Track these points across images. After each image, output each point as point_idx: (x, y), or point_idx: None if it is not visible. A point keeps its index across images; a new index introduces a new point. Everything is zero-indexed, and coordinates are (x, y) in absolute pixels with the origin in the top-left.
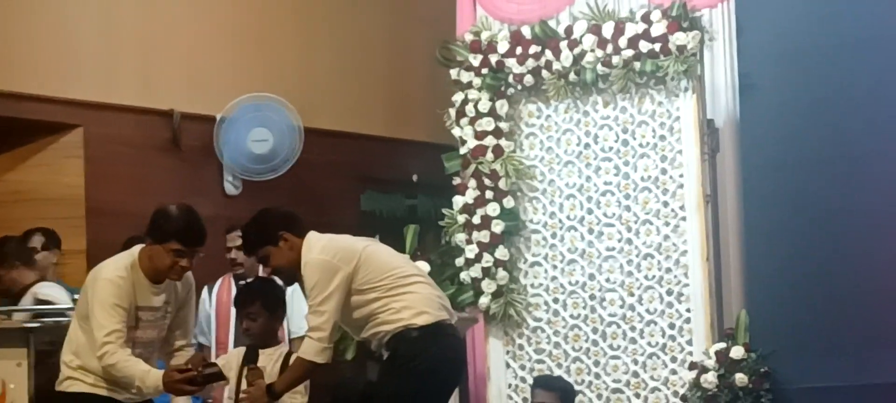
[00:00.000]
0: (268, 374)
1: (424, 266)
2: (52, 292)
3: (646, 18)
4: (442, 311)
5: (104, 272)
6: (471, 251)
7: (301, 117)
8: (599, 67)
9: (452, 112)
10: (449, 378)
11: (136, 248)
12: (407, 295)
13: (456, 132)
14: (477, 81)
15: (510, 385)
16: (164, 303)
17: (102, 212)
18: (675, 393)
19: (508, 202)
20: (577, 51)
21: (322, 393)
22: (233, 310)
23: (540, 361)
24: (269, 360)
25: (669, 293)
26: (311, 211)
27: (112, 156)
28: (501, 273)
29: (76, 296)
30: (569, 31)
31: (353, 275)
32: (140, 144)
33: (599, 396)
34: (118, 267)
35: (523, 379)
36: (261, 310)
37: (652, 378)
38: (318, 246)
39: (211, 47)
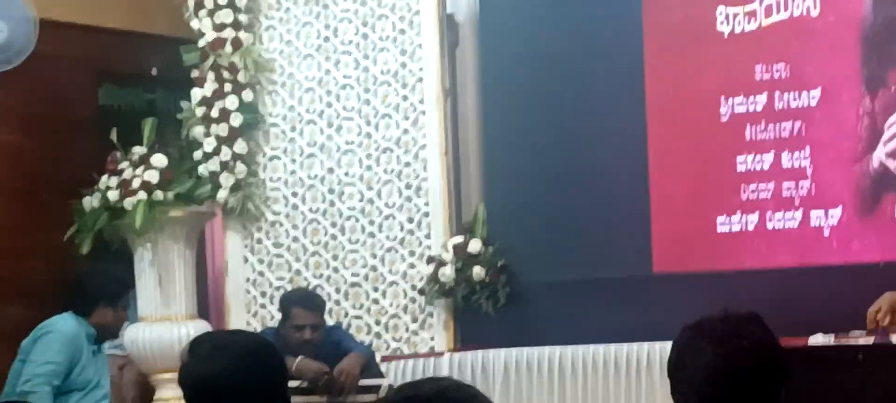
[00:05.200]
0: None
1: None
2: None
3: None
4: None
5: None
6: (209, 144)
7: (36, 8)
8: None
9: (191, 3)
10: None
11: None
12: None
13: (194, 24)
14: None
15: (248, 279)
16: None
17: None
18: (414, 287)
19: (247, 95)
20: None
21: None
22: None
23: (278, 255)
24: None
25: (408, 186)
26: (49, 106)
27: None
28: (240, 166)
29: None
30: None
31: None
32: None
33: (338, 290)
34: None
35: (262, 274)
36: None
37: (390, 271)
38: None
39: None
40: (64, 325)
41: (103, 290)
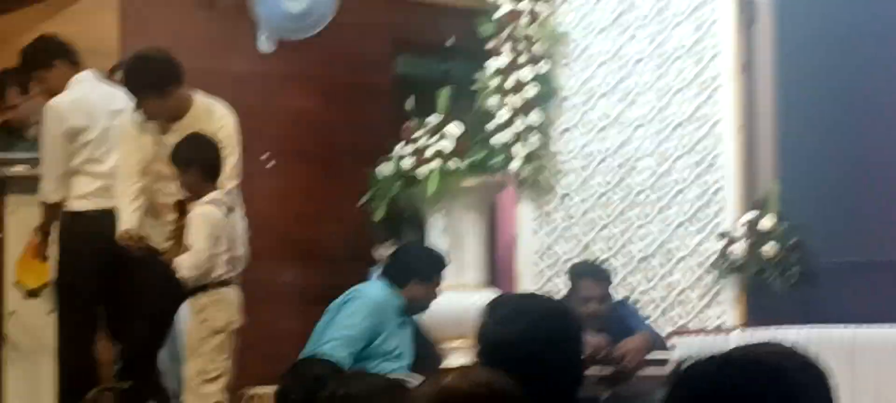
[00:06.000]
0: None
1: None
2: None
3: None
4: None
5: None
6: (503, 115)
7: None
8: None
9: None
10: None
11: None
12: None
13: None
14: None
15: (538, 251)
16: None
17: None
18: (702, 263)
19: (542, 67)
20: None
21: None
22: None
23: (569, 228)
24: None
25: (700, 162)
26: (347, 74)
27: (146, 10)
28: (533, 138)
29: None
30: None
31: None
32: None
33: (627, 264)
34: None
35: (551, 246)
36: None
37: (680, 247)
38: None
39: None
40: (374, 293)
41: (420, 266)
